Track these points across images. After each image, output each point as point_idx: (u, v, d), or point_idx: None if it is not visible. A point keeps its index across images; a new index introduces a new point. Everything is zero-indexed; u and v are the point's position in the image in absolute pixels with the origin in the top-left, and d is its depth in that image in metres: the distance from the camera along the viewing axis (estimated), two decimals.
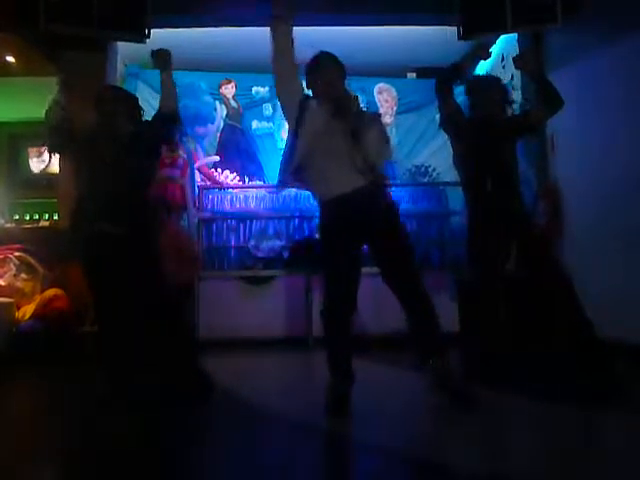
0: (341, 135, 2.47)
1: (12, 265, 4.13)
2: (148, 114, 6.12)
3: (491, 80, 3.28)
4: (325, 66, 2.56)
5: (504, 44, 5.46)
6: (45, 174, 6.92)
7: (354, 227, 2.49)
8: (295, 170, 2.57)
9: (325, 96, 2.52)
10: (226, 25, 5.05)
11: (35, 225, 5.78)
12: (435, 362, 2.47)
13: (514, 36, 4.96)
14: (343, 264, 2.51)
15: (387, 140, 2.63)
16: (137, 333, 2.65)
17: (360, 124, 2.48)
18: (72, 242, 2.84)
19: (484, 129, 3.03)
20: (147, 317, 2.66)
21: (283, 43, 2.47)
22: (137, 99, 2.99)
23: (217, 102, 5.77)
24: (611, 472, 1.78)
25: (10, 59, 5.17)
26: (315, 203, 2.66)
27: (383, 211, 2.53)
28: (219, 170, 5.23)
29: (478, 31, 4.59)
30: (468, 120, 3.13)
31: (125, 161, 2.68)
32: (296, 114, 2.51)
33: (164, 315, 2.72)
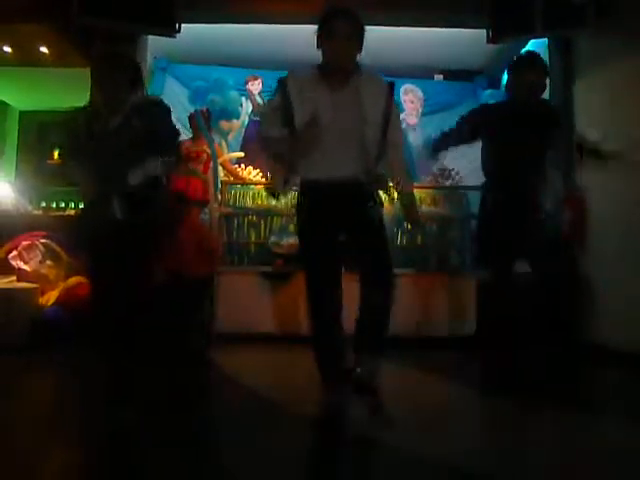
0: (344, 111, 2.30)
1: (38, 251, 4.22)
2: (175, 108, 6.18)
3: (532, 61, 3.08)
4: (335, 29, 2.29)
5: (534, 48, 5.39)
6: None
7: (333, 215, 2.35)
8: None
9: (332, 63, 2.32)
10: (255, 22, 5.09)
11: (61, 213, 5.88)
12: (363, 368, 2.31)
13: (544, 40, 4.90)
14: (323, 255, 2.38)
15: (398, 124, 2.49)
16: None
17: (366, 100, 2.30)
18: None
19: (510, 118, 2.94)
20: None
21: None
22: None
23: (243, 98, 5.81)
24: None
25: (43, 50, 5.27)
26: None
27: (365, 208, 2.37)
28: (242, 166, 5.26)
29: (508, 34, 4.56)
30: (494, 110, 3.09)
31: (128, 133, 2.51)
32: (278, 105, 2.34)
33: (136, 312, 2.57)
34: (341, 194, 2.32)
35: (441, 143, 3.24)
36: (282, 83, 2.34)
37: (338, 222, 2.37)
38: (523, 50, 5.61)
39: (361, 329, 2.36)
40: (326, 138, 2.26)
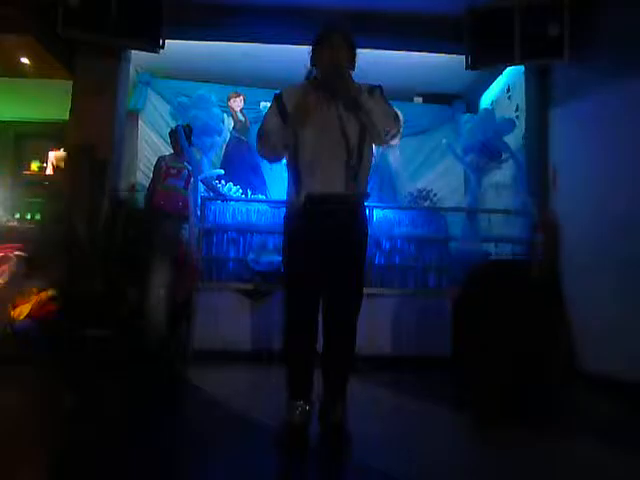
0: (329, 118, 2.31)
1: (11, 263, 4.14)
2: (157, 123, 6.17)
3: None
4: (329, 40, 2.36)
5: (511, 75, 5.56)
6: (48, 176, 6.96)
7: (322, 238, 2.32)
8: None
9: (325, 71, 2.34)
10: (238, 40, 5.14)
11: (37, 224, 5.78)
12: (334, 414, 2.32)
13: (521, 68, 5.04)
14: (307, 279, 2.34)
15: (395, 113, 2.41)
16: None
17: (352, 103, 2.29)
18: None
19: None
20: None
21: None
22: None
23: (225, 114, 5.83)
24: None
25: (24, 60, 5.24)
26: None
27: (352, 235, 2.37)
28: (222, 182, 5.27)
29: (486, 61, 4.68)
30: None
31: None
32: (278, 120, 2.34)
33: None
34: (331, 212, 2.31)
35: None
36: (278, 95, 2.42)
37: (328, 244, 2.34)
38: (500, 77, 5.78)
39: (328, 374, 2.38)
40: (314, 151, 2.30)
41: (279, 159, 2.56)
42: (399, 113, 2.46)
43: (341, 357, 2.39)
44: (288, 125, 2.32)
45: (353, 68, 2.43)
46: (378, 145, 2.63)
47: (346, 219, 2.35)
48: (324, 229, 2.32)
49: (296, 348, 2.38)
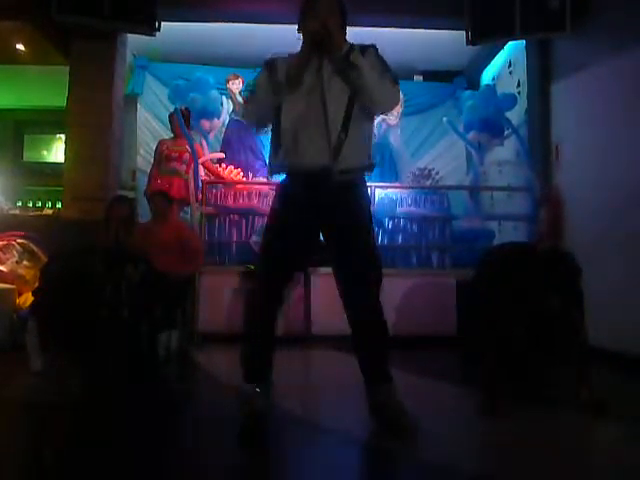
0: (313, 84, 2.16)
1: (15, 252, 4.15)
2: (155, 107, 6.13)
3: None
4: (317, 3, 2.21)
5: (512, 50, 5.49)
6: (49, 162, 6.96)
7: (307, 215, 2.17)
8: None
9: (314, 33, 2.14)
10: (235, 21, 5.08)
11: (38, 213, 5.79)
12: (375, 388, 2.17)
13: (522, 42, 4.98)
14: (280, 251, 2.19)
15: (392, 78, 2.20)
16: None
17: (344, 65, 2.11)
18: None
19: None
20: None
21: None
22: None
23: (224, 97, 5.78)
24: None
25: (20, 47, 5.20)
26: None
27: (350, 207, 2.20)
28: (223, 165, 5.25)
29: (486, 36, 4.62)
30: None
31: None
32: (268, 84, 2.18)
33: None
34: (321, 184, 2.15)
35: None
36: (269, 60, 2.26)
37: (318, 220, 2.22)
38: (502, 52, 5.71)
39: (363, 357, 2.22)
40: (293, 119, 2.15)
41: (265, 126, 2.40)
42: (397, 79, 2.25)
43: (371, 337, 2.21)
44: (276, 92, 2.17)
45: (344, 35, 2.25)
46: (374, 112, 2.39)
47: (327, 197, 2.16)
48: (299, 207, 2.18)
49: (256, 319, 2.24)
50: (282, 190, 2.29)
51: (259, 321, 2.23)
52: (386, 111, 2.49)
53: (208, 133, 5.41)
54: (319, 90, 2.15)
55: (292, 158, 2.16)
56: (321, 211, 2.19)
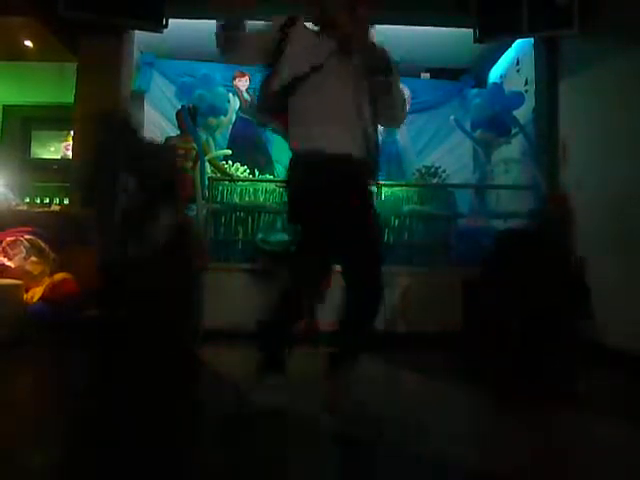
0: (346, 74, 2.10)
1: (22, 247, 4.17)
2: (162, 104, 6.14)
3: None
4: None
5: (520, 48, 5.46)
6: (57, 159, 7.00)
7: (326, 198, 2.08)
8: (272, 104, 2.23)
9: (331, 25, 2.11)
10: (244, 18, 5.06)
11: (46, 209, 5.83)
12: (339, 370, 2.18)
13: (530, 40, 4.95)
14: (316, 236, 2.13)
15: (404, 98, 2.27)
16: None
17: (378, 68, 2.05)
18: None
19: None
20: None
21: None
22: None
23: (230, 94, 5.79)
24: None
25: (28, 43, 5.22)
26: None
27: (361, 194, 2.16)
28: (229, 162, 5.25)
29: (494, 34, 4.60)
30: None
31: None
32: (272, 38, 2.17)
33: None
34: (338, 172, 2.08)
35: None
36: (287, 22, 2.26)
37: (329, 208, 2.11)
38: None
39: (345, 328, 2.23)
40: (322, 106, 2.09)
41: (267, 120, 2.48)
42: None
43: (365, 312, 2.18)
44: (265, 53, 2.18)
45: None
46: (382, 125, 2.42)
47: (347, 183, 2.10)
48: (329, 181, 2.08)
49: (287, 315, 2.34)
50: (300, 182, 2.18)
51: (291, 310, 2.31)
52: (387, 127, 2.51)
53: (215, 130, 5.42)
54: (346, 78, 2.11)
55: (318, 142, 2.08)
56: (337, 195, 2.11)
